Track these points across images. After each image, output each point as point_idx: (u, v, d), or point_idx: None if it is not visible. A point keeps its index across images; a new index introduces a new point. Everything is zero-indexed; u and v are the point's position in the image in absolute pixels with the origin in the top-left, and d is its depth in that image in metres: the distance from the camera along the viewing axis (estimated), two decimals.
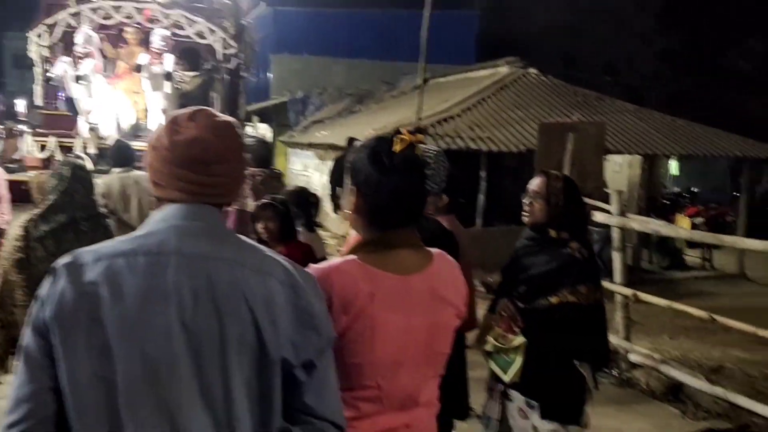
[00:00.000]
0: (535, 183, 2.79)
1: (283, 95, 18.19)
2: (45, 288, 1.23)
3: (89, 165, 6.66)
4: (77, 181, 3.04)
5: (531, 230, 2.82)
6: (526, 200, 2.80)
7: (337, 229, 10.06)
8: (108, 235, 3.17)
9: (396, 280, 1.60)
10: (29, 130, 8.63)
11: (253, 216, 3.61)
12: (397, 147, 1.64)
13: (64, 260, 1.25)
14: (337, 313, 1.53)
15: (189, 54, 7.70)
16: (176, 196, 1.30)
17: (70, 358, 1.18)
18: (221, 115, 1.39)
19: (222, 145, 1.31)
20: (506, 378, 2.69)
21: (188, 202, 1.30)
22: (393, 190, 1.61)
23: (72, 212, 2.98)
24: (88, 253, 1.25)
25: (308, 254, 3.48)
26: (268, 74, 20.06)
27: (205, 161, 1.28)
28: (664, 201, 14.67)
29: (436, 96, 12.27)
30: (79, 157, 6.72)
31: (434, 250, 1.73)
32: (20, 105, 36.84)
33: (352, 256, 1.63)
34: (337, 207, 9.25)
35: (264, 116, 18.95)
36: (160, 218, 1.30)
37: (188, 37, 7.49)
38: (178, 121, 1.32)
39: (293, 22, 20.00)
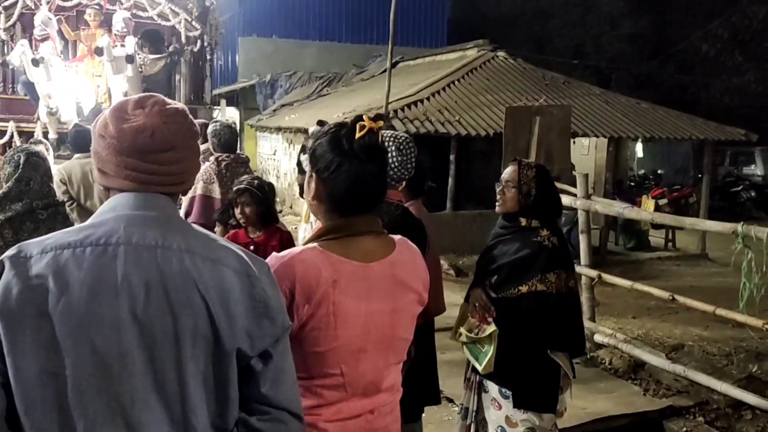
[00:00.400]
0: (507, 171, 2.79)
1: (252, 78, 17.96)
2: None
3: (50, 150, 6.52)
4: (32, 168, 2.96)
5: (503, 219, 2.83)
6: (498, 188, 2.80)
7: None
8: (67, 223, 3.11)
9: (358, 267, 1.60)
10: None
11: (230, 201, 3.56)
12: (358, 133, 1.63)
13: (9, 253, 1.22)
14: (299, 302, 1.53)
15: (152, 36, 7.53)
16: (125, 185, 1.26)
17: (17, 353, 1.16)
18: (171, 101, 1.35)
19: (171, 133, 1.27)
20: (480, 367, 2.70)
21: (137, 191, 1.27)
22: (353, 176, 1.61)
23: (29, 200, 2.91)
24: (33, 245, 1.22)
25: (287, 240, 3.45)
26: (236, 57, 19.77)
27: (154, 149, 1.25)
28: (631, 183, 14.92)
29: (406, 79, 12.24)
30: (40, 142, 6.57)
31: (396, 237, 1.74)
32: None
33: (313, 244, 1.63)
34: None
35: (231, 99, 18.71)
36: (109, 208, 1.27)
37: (151, 18, 7.35)
38: (126, 109, 1.28)
39: (262, 3, 19.68)
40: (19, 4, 6.99)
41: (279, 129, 13.98)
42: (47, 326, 1.15)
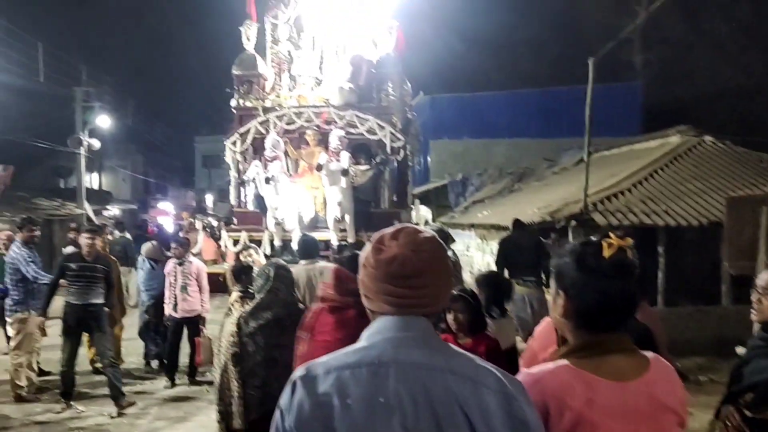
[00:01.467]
0: (764, 278, 2.58)
1: (443, 178, 18.65)
2: (285, 399, 1.37)
3: (259, 253, 7.28)
4: (280, 280, 3.33)
5: (762, 329, 2.60)
6: (754, 296, 2.59)
7: None
8: None
9: (614, 387, 1.57)
10: (219, 224, 9.57)
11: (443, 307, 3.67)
12: (606, 252, 1.64)
13: (299, 374, 1.39)
14: (554, 420, 1.53)
15: (361, 149, 8.25)
16: (385, 309, 1.42)
17: None
18: (423, 230, 1.50)
19: (420, 261, 1.41)
20: None
21: (397, 314, 1.40)
22: (602, 294, 1.61)
23: (277, 310, 3.26)
24: (319, 365, 1.39)
25: (493, 348, 3.46)
26: (427, 158, 20.74)
27: (406, 275, 1.40)
28: None
29: (602, 170, 11.91)
30: (249, 246, 7.35)
31: (649, 354, 1.69)
32: (209, 200, 41.24)
33: (563, 361, 1.63)
34: None
35: (424, 199, 19.49)
36: (375, 330, 1.42)
37: (360, 134, 8.07)
38: (383, 241, 1.46)
39: (450, 107, 20.70)
40: (252, 131, 8.09)
41: (472, 226, 14.19)
42: None
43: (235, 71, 8.43)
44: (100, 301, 6.29)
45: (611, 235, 1.67)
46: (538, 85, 21.30)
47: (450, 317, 3.54)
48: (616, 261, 1.62)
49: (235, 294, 4.07)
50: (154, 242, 8.34)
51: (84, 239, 6.34)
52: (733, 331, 8.40)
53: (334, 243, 7.53)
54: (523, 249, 8.00)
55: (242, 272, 4.56)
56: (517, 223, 8.63)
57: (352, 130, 7.99)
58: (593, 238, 1.72)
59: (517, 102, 20.49)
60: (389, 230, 1.50)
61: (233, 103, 8.54)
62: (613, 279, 1.61)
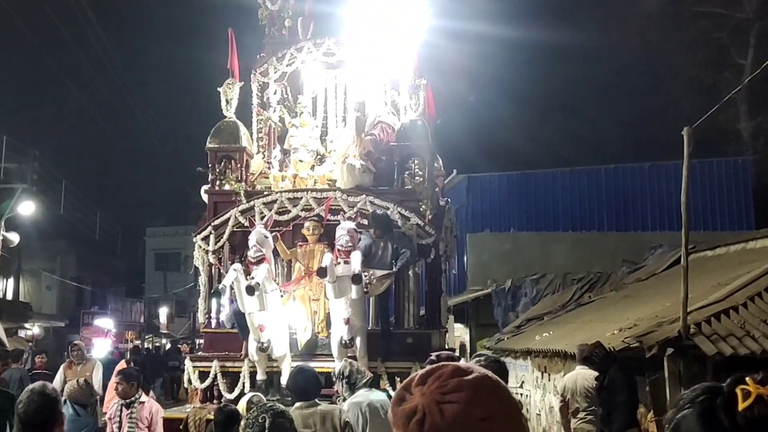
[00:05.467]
0: None
1: (486, 286, 18.61)
2: None
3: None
4: None
5: None
6: None
7: None
8: None
9: None
10: (174, 347, 9.48)
11: None
12: (741, 404, 1.65)
13: None
14: None
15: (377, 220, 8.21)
16: None
17: None
18: (470, 368, 1.48)
19: (443, 418, 1.40)
20: None
21: None
22: None
23: None
24: None
25: None
26: (463, 259, 20.65)
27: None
28: None
29: (706, 276, 11.89)
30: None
31: None
32: (162, 315, 41.04)
33: None
34: None
35: (459, 314, 19.35)
36: None
37: None
38: (410, 385, 1.46)
39: (493, 190, 20.80)
40: (231, 222, 8.18)
41: (527, 353, 14.06)
42: None
43: (210, 144, 8.64)
44: None
45: (748, 380, 1.68)
46: (609, 161, 21.56)
47: None
48: (756, 416, 1.63)
49: None
50: (79, 379, 8.23)
51: None
52: None
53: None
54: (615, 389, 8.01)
55: (233, 421, 4.54)
56: (597, 350, 8.57)
57: (365, 223, 8.07)
58: (722, 385, 1.73)
59: (582, 183, 20.63)
60: (425, 370, 1.52)
61: (205, 187, 8.73)
62: None
